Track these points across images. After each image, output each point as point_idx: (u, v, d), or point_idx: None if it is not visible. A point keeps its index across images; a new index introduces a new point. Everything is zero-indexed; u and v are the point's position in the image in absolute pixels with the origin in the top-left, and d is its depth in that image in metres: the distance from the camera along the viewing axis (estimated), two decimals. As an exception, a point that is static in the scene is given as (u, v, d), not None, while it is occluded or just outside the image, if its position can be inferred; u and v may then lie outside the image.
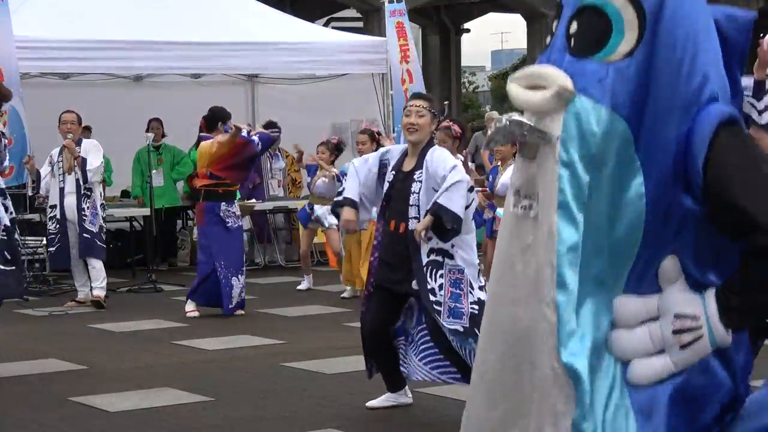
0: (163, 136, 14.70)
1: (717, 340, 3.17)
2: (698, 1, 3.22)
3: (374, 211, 7.44)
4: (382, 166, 7.07)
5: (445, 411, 7.12)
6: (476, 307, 6.66)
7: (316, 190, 12.57)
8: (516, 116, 3.19)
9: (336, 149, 12.55)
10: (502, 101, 51.62)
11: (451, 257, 6.72)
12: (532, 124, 3.14)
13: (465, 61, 43.64)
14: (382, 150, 7.32)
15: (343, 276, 12.31)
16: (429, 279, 6.70)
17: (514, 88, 3.20)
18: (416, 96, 7.30)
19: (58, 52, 13.20)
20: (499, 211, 10.94)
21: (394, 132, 14.74)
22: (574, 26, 3.20)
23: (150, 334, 10.24)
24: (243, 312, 11.10)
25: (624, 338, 3.22)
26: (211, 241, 10.99)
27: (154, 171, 13.89)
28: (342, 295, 12.23)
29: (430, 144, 6.96)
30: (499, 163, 11.10)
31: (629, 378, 3.21)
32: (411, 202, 6.78)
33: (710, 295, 3.18)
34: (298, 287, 12.87)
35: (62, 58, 13.36)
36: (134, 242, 14.71)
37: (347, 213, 6.99)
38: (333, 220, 12.51)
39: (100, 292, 11.66)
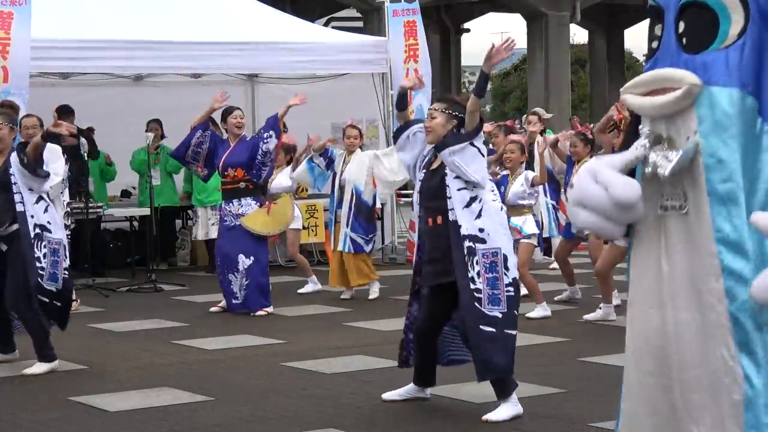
0: (163, 137, 14.71)
1: None
2: None
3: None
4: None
5: (445, 411, 7.12)
6: (511, 289, 6.85)
7: (273, 190, 12.71)
8: (658, 151, 3.33)
9: (291, 150, 12.80)
10: (502, 100, 51.63)
11: (483, 242, 6.84)
12: (678, 154, 3.26)
13: (465, 61, 43.66)
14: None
15: (330, 279, 12.28)
16: (469, 268, 6.81)
17: (633, 98, 3.34)
18: (436, 99, 7.41)
19: (58, 52, 13.18)
20: (512, 220, 10.85)
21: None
22: (681, 26, 3.32)
23: (150, 334, 10.24)
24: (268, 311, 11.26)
25: None
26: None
27: (152, 170, 13.91)
28: (342, 296, 12.23)
29: None
30: (509, 173, 11.01)
31: None
32: (448, 195, 6.92)
33: None
34: (301, 291, 12.82)
35: (62, 58, 13.35)
36: (134, 242, 14.72)
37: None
38: (296, 224, 12.77)
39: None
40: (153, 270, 13.40)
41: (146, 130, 13.98)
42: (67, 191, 11.78)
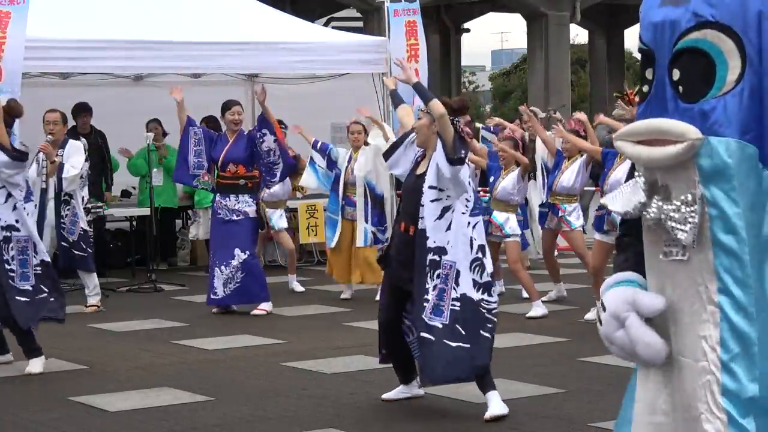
0: (164, 135, 14.72)
1: None
2: None
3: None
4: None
5: (444, 410, 7.13)
6: (458, 304, 6.82)
7: (267, 197, 12.89)
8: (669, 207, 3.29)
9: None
10: (502, 100, 51.64)
11: (446, 253, 6.85)
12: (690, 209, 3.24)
13: (465, 61, 43.69)
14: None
15: (335, 274, 12.30)
16: (428, 280, 6.85)
17: (629, 147, 3.29)
18: None
19: (58, 52, 13.16)
20: (495, 215, 10.92)
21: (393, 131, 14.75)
22: (676, 73, 3.25)
23: (150, 334, 10.24)
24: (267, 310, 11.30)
25: None
26: None
27: (153, 170, 13.90)
28: (342, 296, 12.23)
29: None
30: (503, 167, 11.02)
31: None
32: (422, 202, 6.90)
33: None
34: (297, 290, 12.87)
35: (62, 58, 13.33)
36: (134, 242, 14.72)
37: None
38: (283, 223, 12.84)
39: (92, 300, 11.63)
40: (153, 270, 13.40)
41: (146, 130, 13.97)
42: (86, 188, 11.84)
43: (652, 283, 3.44)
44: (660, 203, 3.30)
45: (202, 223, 14.75)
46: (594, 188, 14.04)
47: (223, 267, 11.20)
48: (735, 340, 3.20)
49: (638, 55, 3.46)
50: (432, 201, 6.87)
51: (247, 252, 11.23)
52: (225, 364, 8.78)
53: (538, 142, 12.33)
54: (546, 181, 11.91)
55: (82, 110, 14.29)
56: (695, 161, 3.20)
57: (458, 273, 6.85)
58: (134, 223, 14.61)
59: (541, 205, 11.81)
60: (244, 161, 11.24)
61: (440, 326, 6.83)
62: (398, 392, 7.38)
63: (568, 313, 10.99)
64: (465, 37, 37.32)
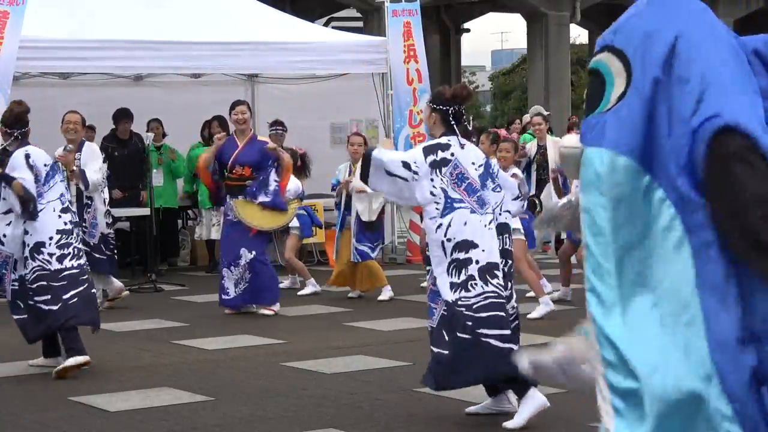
0: (164, 135, 14.73)
1: None
2: (711, 42, 3.46)
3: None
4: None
5: (445, 410, 7.12)
6: (445, 308, 6.79)
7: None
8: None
9: (303, 159, 12.81)
10: (502, 100, 51.67)
11: (428, 260, 6.94)
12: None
13: (465, 61, 43.69)
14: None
15: (334, 278, 12.27)
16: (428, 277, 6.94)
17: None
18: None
19: (58, 52, 13.18)
20: None
21: (393, 132, 14.76)
22: (587, 90, 3.62)
23: (150, 334, 10.24)
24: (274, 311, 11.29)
25: None
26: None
27: (153, 171, 13.91)
28: (349, 295, 12.24)
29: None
30: (502, 168, 11.01)
31: None
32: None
33: None
34: (300, 293, 12.81)
35: (62, 58, 13.34)
36: (134, 242, 14.72)
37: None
38: (293, 223, 12.85)
39: (111, 294, 11.77)
40: (153, 270, 13.40)
41: (146, 130, 13.98)
42: (106, 190, 11.84)
43: None
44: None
45: (204, 224, 14.76)
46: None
47: (232, 267, 11.20)
48: (602, 337, 3.44)
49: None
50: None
51: (254, 252, 11.21)
52: (225, 364, 8.78)
53: (549, 146, 12.33)
54: (561, 186, 11.94)
55: (123, 116, 14.21)
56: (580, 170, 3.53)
57: (435, 279, 6.84)
58: (134, 223, 14.60)
59: None
60: (252, 164, 11.23)
61: (429, 329, 6.91)
62: (482, 407, 7.08)
63: (568, 314, 10.98)
64: (465, 37, 37.34)
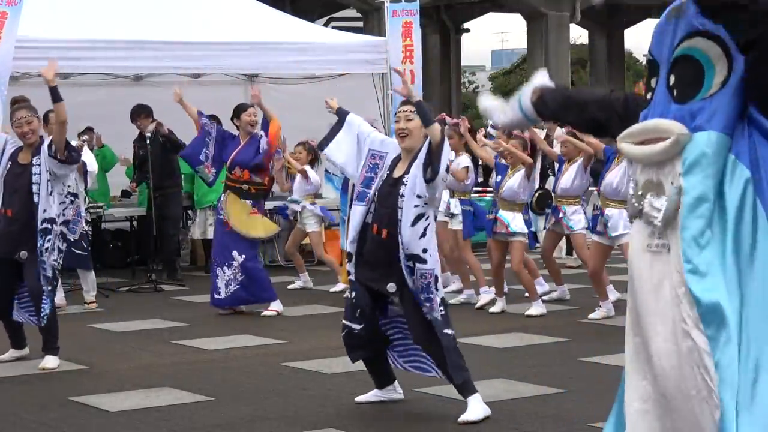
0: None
1: None
2: None
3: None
4: (370, 153, 7.27)
5: (445, 410, 7.12)
6: (443, 308, 6.84)
7: (296, 194, 12.95)
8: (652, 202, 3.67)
9: (314, 150, 12.83)
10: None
11: (424, 262, 6.80)
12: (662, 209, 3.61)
13: (465, 61, 43.65)
14: (382, 138, 7.40)
15: (346, 276, 12.29)
16: (408, 282, 6.81)
17: (627, 147, 3.71)
18: (404, 102, 7.16)
19: (58, 52, 13.14)
20: (502, 213, 10.87)
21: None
22: (672, 79, 3.62)
23: (150, 334, 10.24)
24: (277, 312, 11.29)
25: None
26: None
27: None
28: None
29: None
30: (509, 165, 10.98)
31: None
32: (399, 206, 6.82)
33: None
34: (290, 286, 12.91)
35: (62, 58, 13.29)
36: (134, 242, 14.72)
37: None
38: (314, 227, 12.86)
39: (90, 297, 11.79)
40: (153, 270, 13.40)
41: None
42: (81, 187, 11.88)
43: (637, 276, 3.70)
44: (652, 199, 3.62)
45: (198, 224, 14.76)
46: (594, 189, 14.05)
47: (225, 268, 11.20)
48: (711, 316, 3.44)
49: (638, 56, 3.71)
50: (414, 206, 6.78)
51: (244, 255, 11.20)
52: (225, 364, 8.78)
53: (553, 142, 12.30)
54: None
55: (141, 112, 14.07)
56: (681, 156, 3.55)
57: (436, 278, 6.84)
58: (134, 223, 14.61)
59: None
60: (250, 167, 11.23)
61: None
62: (372, 395, 7.33)
63: (568, 313, 10.99)
64: (465, 37, 37.29)
